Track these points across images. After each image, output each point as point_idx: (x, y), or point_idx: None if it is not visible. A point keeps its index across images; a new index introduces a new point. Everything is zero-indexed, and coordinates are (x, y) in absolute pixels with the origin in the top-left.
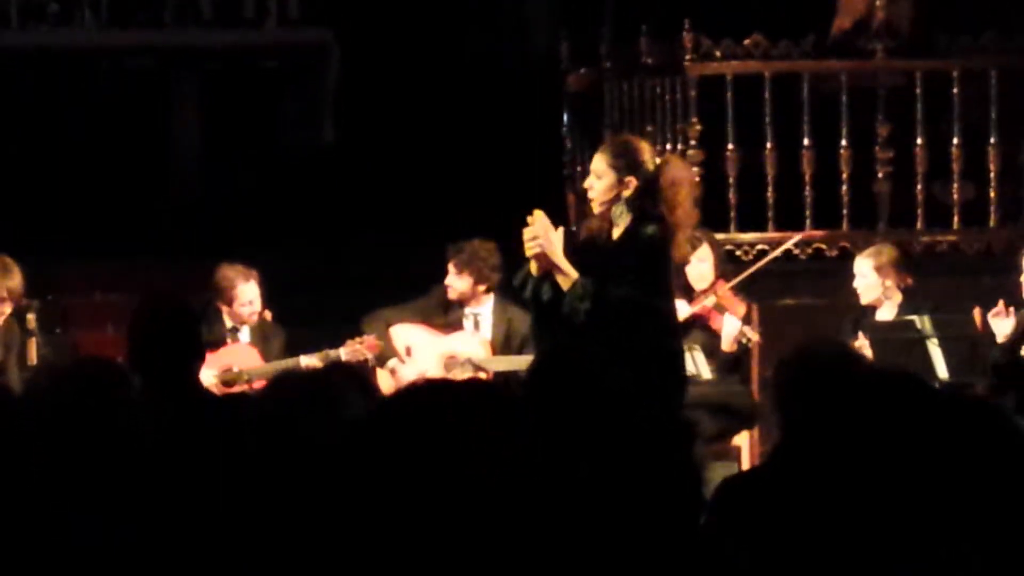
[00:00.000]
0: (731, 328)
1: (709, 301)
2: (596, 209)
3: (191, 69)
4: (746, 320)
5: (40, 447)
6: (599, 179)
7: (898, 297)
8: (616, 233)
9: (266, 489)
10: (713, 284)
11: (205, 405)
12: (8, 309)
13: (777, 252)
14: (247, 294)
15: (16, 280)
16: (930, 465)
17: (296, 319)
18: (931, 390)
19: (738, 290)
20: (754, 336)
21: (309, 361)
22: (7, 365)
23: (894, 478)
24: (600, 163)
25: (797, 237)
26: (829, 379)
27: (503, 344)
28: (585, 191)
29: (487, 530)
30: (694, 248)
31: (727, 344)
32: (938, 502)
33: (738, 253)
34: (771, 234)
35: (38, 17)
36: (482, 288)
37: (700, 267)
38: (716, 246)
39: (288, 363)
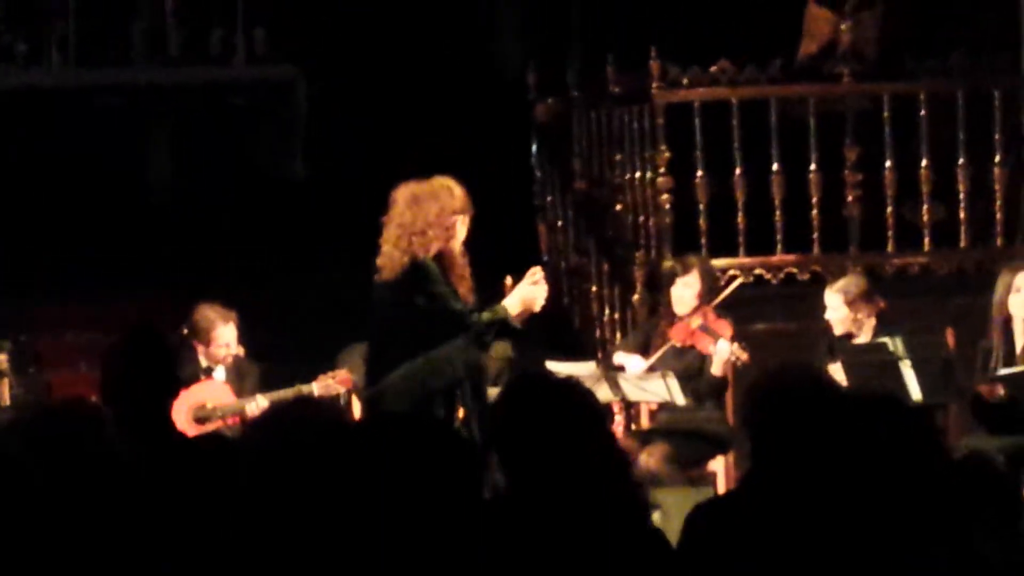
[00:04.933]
0: (723, 351)
1: (694, 323)
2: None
3: (160, 107)
4: (734, 339)
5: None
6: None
7: (872, 323)
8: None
9: (240, 524)
10: (695, 310)
11: (174, 443)
12: None
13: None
14: (225, 336)
15: None
16: (902, 486)
17: (270, 353)
18: (907, 409)
19: (720, 312)
20: (743, 355)
21: (281, 397)
22: None
23: (866, 500)
24: None
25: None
26: (799, 403)
27: None
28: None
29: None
30: (685, 271)
31: (719, 368)
32: (910, 521)
33: None
34: (742, 259)
35: (6, 58)
36: None
37: (684, 292)
38: (707, 275)
39: (259, 399)
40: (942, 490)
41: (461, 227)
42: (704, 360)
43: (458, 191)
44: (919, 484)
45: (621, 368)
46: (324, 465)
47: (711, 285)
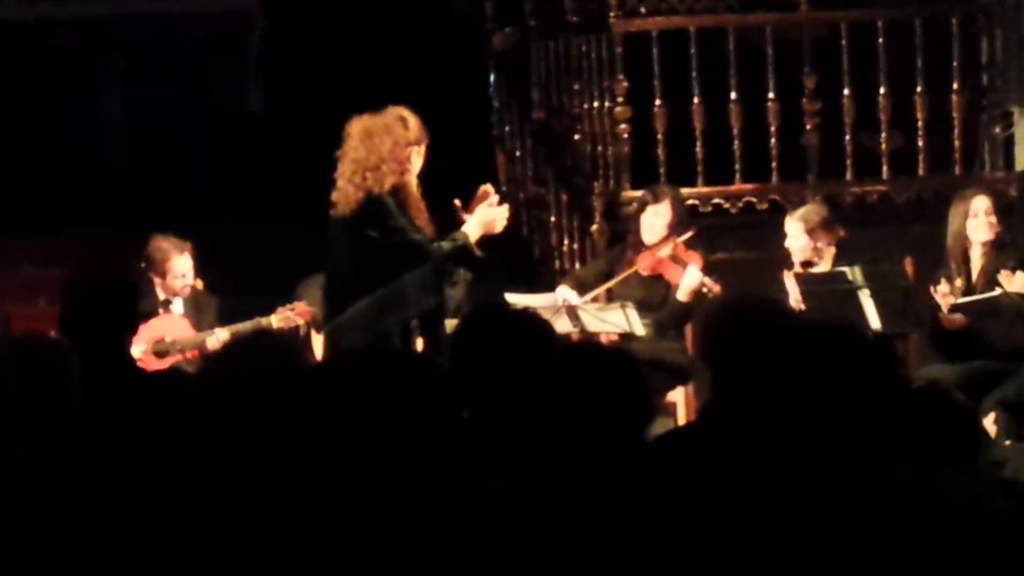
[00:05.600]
0: (692, 279)
1: (663, 252)
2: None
3: (115, 40)
4: (705, 271)
5: None
6: None
7: (831, 252)
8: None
9: (203, 462)
10: (665, 239)
11: (133, 377)
12: None
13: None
14: (180, 267)
15: None
16: (860, 415)
17: (229, 287)
18: (864, 338)
19: (690, 244)
20: (715, 287)
21: (240, 329)
22: None
23: (825, 430)
24: None
25: None
26: (757, 333)
27: None
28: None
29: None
30: (656, 200)
31: (684, 294)
32: (868, 450)
33: None
34: (701, 189)
35: None
36: None
37: (654, 221)
38: (678, 205)
39: (219, 332)
40: (899, 419)
41: (416, 158)
42: (670, 290)
43: (412, 122)
44: (877, 413)
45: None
46: (282, 398)
47: (681, 215)
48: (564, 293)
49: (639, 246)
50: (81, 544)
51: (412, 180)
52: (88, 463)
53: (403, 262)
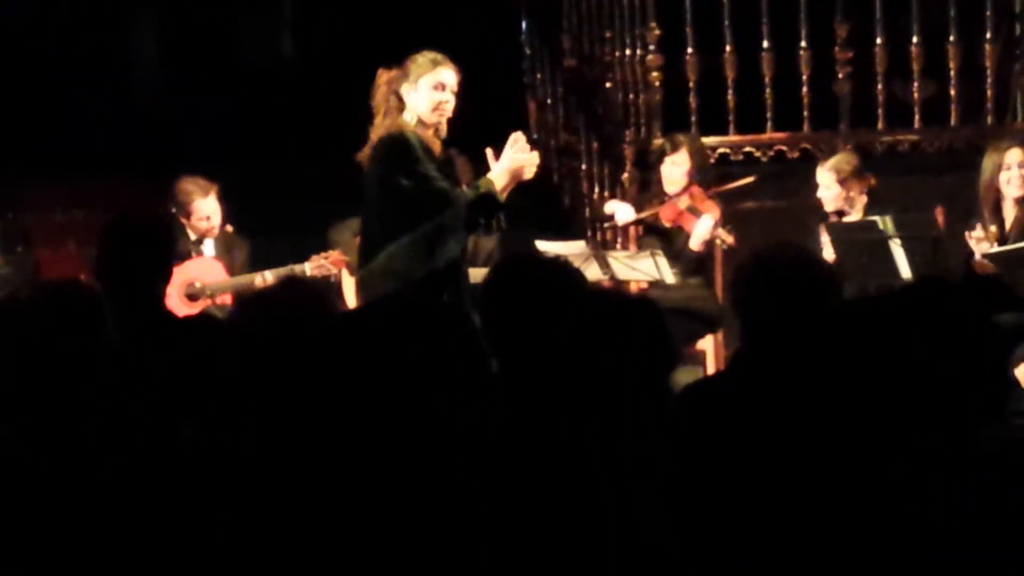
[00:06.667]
0: (704, 228)
1: (682, 203)
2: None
3: None
4: (721, 223)
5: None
6: (455, 95)
7: (863, 200)
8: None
9: (227, 408)
10: (685, 189)
11: (164, 322)
12: None
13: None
14: (204, 209)
15: None
16: (890, 367)
17: (260, 229)
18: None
19: (711, 195)
20: (728, 238)
21: (272, 276)
22: None
23: (855, 381)
24: (456, 78)
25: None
26: (789, 282)
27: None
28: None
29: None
30: (674, 149)
31: (696, 244)
32: (898, 406)
33: None
34: (732, 137)
35: None
36: None
37: (673, 171)
38: (697, 154)
39: (250, 278)
40: (928, 370)
41: (412, 94)
42: (688, 240)
43: (406, 62)
44: (907, 363)
45: (611, 217)
46: (309, 345)
47: (701, 164)
48: (616, 206)
49: (663, 196)
50: (113, 491)
51: (413, 117)
52: (118, 410)
53: (428, 209)
